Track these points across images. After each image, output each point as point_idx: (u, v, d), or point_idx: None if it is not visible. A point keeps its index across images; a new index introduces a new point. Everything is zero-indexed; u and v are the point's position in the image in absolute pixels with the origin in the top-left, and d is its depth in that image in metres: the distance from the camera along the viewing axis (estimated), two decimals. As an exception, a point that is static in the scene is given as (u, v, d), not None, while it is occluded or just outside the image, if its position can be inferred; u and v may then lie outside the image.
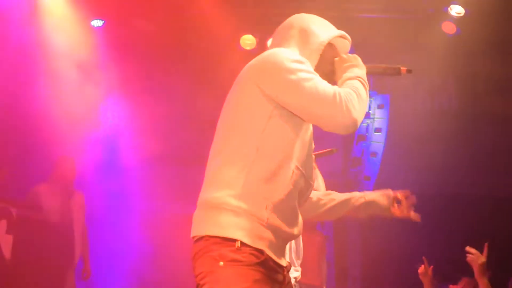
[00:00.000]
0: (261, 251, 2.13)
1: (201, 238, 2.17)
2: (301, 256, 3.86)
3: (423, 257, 4.78)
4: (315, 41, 2.38)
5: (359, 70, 2.37)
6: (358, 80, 2.31)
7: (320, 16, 2.47)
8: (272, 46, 2.46)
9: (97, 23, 5.91)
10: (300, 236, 3.77)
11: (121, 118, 6.30)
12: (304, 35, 2.39)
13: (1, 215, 5.85)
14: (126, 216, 6.70)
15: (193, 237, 2.23)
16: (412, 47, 6.20)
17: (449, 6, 5.85)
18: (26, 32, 5.70)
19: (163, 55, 6.10)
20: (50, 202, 5.83)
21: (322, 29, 2.42)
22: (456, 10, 5.84)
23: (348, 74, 2.34)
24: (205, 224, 2.19)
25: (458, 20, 5.91)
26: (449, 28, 5.96)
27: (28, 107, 6.02)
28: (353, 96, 2.20)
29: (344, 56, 2.44)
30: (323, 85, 2.20)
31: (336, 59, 2.43)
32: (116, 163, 6.45)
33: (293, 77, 2.18)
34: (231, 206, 2.14)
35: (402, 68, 2.46)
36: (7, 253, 5.77)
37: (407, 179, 6.37)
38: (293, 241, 3.80)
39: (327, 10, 5.15)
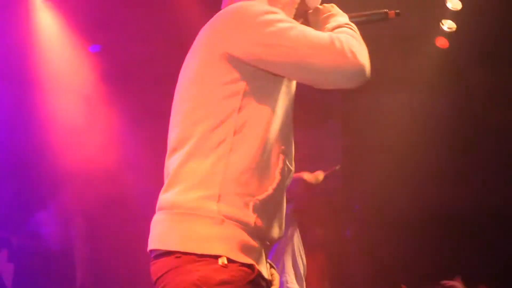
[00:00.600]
0: (251, 266, 1.68)
1: (169, 253, 1.68)
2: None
3: (403, 286, 4.70)
4: None
5: (342, 18, 1.95)
6: (347, 27, 1.87)
7: None
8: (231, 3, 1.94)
9: (94, 48, 5.95)
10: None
11: (117, 142, 6.29)
12: None
13: (1, 244, 5.83)
14: (128, 242, 6.65)
15: (155, 251, 1.75)
16: (406, 63, 6.27)
17: (440, 21, 5.92)
18: (23, 58, 5.72)
19: (161, 79, 6.10)
20: (50, 229, 5.82)
21: None
22: (448, 25, 5.91)
23: (331, 24, 1.91)
24: (174, 235, 1.69)
25: (450, 35, 5.99)
26: (442, 42, 6.04)
27: (25, 135, 6.03)
28: (352, 40, 1.78)
29: (320, 6, 2.02)
30: (312, 31, 1.76)
31: (310, 11, 2.02)
32: (118, 189, 6.44)
33: (272, 29, 1.72)
34: (208, 211, 1.67)
35: (389, 12, 2.08)
36: (8, 282, 5.74)
37: (402, 193, 6.36)
38: (301, 262, 3.78)
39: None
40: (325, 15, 1.97)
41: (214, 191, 1.68)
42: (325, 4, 2.04)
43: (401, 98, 6.51)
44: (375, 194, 6.43)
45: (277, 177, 1.76)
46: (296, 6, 1.95)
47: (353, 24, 1.90)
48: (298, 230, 4.03)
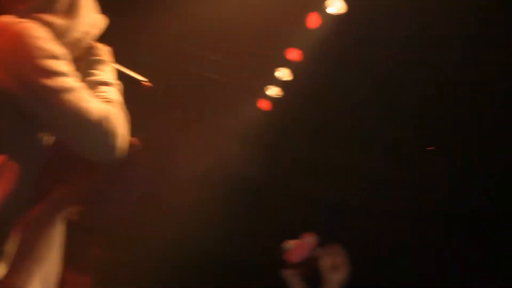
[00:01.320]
0: None
1: None
2: None
3: None
4: (83, 22, 1.79)
5: (111, 71, 1.88)
6: (117, 88, 1.83)
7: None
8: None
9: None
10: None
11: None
12: (74, 7, 1.78)
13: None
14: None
15: None
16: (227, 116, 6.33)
17: (265, 86, 6.03)
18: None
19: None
20: None
21: (90, 7, 1.83)
22: (273, 91, 6.05)
23: (99, 75, 1.82)
24: None
25: (274, 99, 6.13)
26: (264, 105, 6.19)
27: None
28: (121, 119, 1.72)
29: (96, 44, 1.90)
30: (87, 101, 1.65)
31: (86, 44, 1.86)
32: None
33: (48, 83, 1.59)
34: None
35: (144, 83, 2.01)
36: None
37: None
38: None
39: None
40: (96, 57, 1.86)
41: None
42: (102, 45, 1.91)
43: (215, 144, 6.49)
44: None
45: None
46: (82, 46, 1.82)
47: (120, 84, 1.85)
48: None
